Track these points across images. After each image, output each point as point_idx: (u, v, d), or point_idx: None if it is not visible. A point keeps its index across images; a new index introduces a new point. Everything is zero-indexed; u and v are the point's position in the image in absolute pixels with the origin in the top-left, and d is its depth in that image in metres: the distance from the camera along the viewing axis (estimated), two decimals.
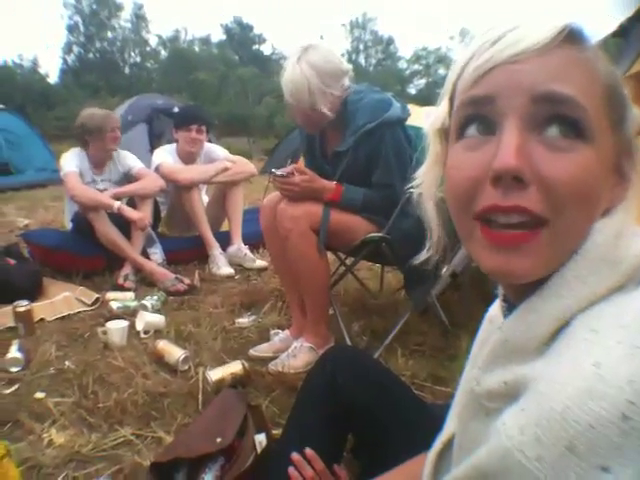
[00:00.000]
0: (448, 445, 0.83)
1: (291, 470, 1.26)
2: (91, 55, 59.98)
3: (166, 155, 4.16)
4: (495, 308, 0.82)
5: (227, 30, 66.28)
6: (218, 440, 1.50)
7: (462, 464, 0.60)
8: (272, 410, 1.99)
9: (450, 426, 0.84)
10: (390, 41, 67.83)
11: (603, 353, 0.50)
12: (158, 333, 2.73)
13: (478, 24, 0.62)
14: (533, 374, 0.54)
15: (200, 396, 2.09)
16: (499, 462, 0.52)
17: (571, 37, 0.59)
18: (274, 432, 1.70)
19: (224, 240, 4.14)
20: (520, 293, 0.64)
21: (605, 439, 0.46)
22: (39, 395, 2.14)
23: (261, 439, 1.56)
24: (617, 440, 0.45)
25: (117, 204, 3.61)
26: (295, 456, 1.27)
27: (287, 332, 2.53)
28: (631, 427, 0.45)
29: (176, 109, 7.82)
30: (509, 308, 0.71)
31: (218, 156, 4.32)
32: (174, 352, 2.34)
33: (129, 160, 4.04)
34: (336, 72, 2.26)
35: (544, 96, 0.57)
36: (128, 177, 3.99)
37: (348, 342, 2.42)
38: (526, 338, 0.60)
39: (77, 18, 60.53)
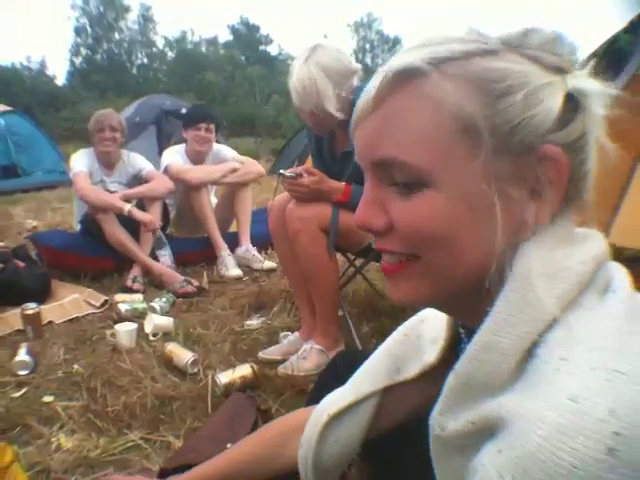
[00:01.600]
0: (344, 411, 0.93)
1: None
2: (98, 57, 60.35)
3: (175, 155, 4.16)
4: (423, 325, 0.88)
5: (234, 31, 66.54)
6: (228, 445, 1.47)
7: None
8: (282, 413, 1.96)
9: (348, 395, 0.92)
10: (397, 41, 67.84)
11: (578, 384, 0.47)
12: (167, 335, 2.71)
13: (484, 23, 0.62)
14: (505, 410, 0.51)
15: (209, 399, 2.07)
16: None
17: (404, 78, 0.59)
18: None
19: (232, 241, 4.12)
20: (470, 320, 0.66)
21: (592, 476, 0.43)
22: (47, 399, 2.12)
23: None
24: (606, 477, 0.43)
25: (128, 207, 3.60)
26: None
27: (296, 334, 2.51)
28: (619, 460, 0.43)
29: (184, 110, 7.82)
30: (468, 335, 0.69)
31: (226, 156, 4.32)
32: (183, 355, 2.32)
33: (139, 162, 4.04)
34: (345, 72, 2.23)
35: (376, 163, 0.61)
36: (138, 179, 3.99)
37: (358, 344, 2.40)
38: (488, 378, 0.56)
39: (84, 20, 60.94)
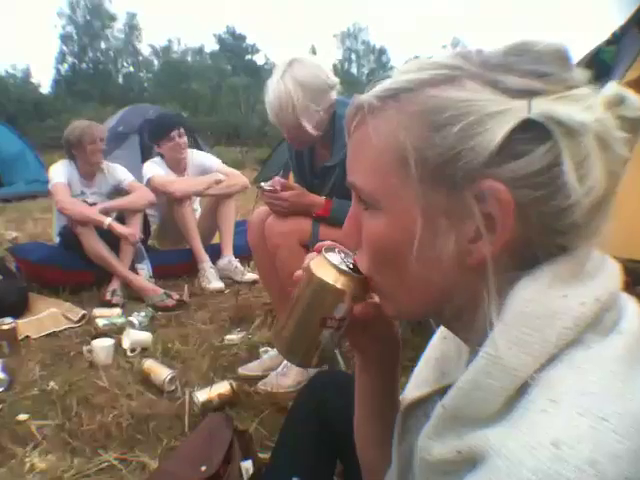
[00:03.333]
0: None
1: None
2: (84, 65, 60.14)
3: (156, 167, 4.11)
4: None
5: (220, 40, 66.67)
6: (203, 468, 1.46)
7: None
8: (261, 432, 1.94)
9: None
10: (382, 51, 68.32)
11: (563, 429, 0.46)
12: (145, 351, 2.68)
13: (469, 33, 0.59)
14: (489, 445, 0.50)
15: (186, 418, 2.04)
16: None
17: (362, 112, 0.62)
18: (262, 456, 1.66)
19: (215, 253, 4.10)
20: (467, 344, 0.69)
21: None
22: (22, 417, 2.09)
23: (248, 466, 1.52)
24: None
25: (108, 220, 3.56)
26: None
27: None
28: None
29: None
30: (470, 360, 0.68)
31: (211, 167, 4.29)
32: (160, 372, 2.28)
33: (119, 173, 3.98)
34: (323, 87, 2.19)
35: (348, 184, 0.66)
36: (118, 190, 3.94)
37: (339, 359, 2.37)
38: (477, 413, 0.56)
39: (71, 28, 60.73)
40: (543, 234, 0.57)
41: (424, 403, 0.82)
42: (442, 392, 0.79)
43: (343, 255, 0.74)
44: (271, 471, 1.36)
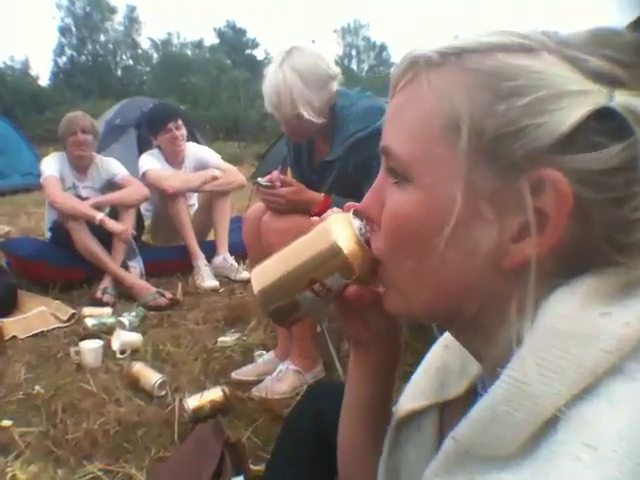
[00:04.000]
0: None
1: None
2: (83, 58, 60.11)
3: (152, 161, 4.03)
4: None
5: (220, 34, 66.70)
6: None
7: None
8: (254, 442, 1.86)
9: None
10: (383, 47, 68.40)
11: None
12: (135, 353, 2.59)
13: (471, 30, 0.54)
14: None
15: (176, 426, 1.95)
16: None
17: (417, 67, 0.54)
18: (256, 468, 1.59)
19: (210, 250, 4.01)
20: (482, 361, 0.59)
21: None
22: (5, 423, 2.02)
23: None
24: None
25: (100, 216, 3.47)
26: None
27: (272, 353, 2.40)
28: None
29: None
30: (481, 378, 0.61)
31: (209, 161, 4.21)
32: (150, 376, 2.20)
33: (112, 166, 3.90)
34: (323, 77, 2.09)
35: (381, 151, 0.57)
36: (112, 184, 3.85)
37: (337, 364, 2.28)
38: (492, 451, 0.46)
39: (69, 20, 60.69)
40: (598, 246, 0.47)
41: (419, 416, 0.73)
42: (439, 406, 0.72)
43: (369, 229, 0.64)
44: None
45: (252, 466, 1.62)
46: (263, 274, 0.68)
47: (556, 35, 0.50)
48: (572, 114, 0.44)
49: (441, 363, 0.74)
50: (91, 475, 1.72)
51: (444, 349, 0.75)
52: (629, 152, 0.44)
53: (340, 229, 0.62)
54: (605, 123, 0.44)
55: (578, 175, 0.45)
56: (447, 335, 0.76)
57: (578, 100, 0.45)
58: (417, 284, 0.55)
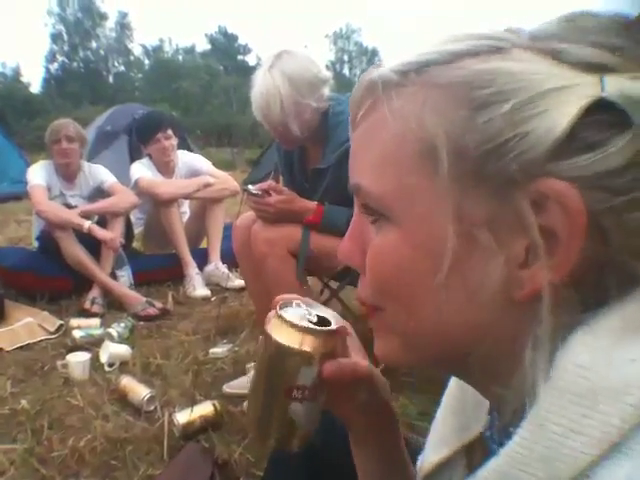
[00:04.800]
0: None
1: None
2: (75, 64, 59.99)
3: (144, 169, 4.00)
4: None
5: (212, 40, 66.77)
6: None
7: None
8: (246, 458, 1.79)
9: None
10: (374, 52, 68.63)
11: None
12: (124, 366, 2.53)
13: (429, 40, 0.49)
14: None
15: (165, 442, 1.89)
16: None
17: (375, 91, 0.47)
18: None
19: (202, 258, 3.97)
20: (495, 405, 0.53)
21: None
22: None
23: None
24: None
25: (87, 224, 3.41)
26: None
27: None
28: None
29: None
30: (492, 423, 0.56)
31: (201, 169, 4.18)
32: (139, 391, 2.14)
33: (100, 174, 3.85)
34: (313, 81, 2.04)
35: (351, 189, 0.51)
36: (100, 192, 3.80)
37: None
38: None
39: (61, 27, 60.61)
40: (616, 259, 0.41)
41: (446, 467, 0.65)
42: (464, 449, 0.64)
43: (305, 307, 0.61)
44: None
45: None
46: (249, 420, 0.63)
47: (524, 30, 0.45)
48: (563, 114, 0.39)
49: (457, 404, 0.67)
50: None
51: (459, 389, 0.67)
52: (633, 145, 0.38)
53: (279, 330, 0.58)
54: (601, 116, 0.39)
55: (584, 181, 0.39)
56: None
57: (566, 97, 0.39)
58: (418, 332, 0.48)
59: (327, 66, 2.20)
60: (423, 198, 0.44)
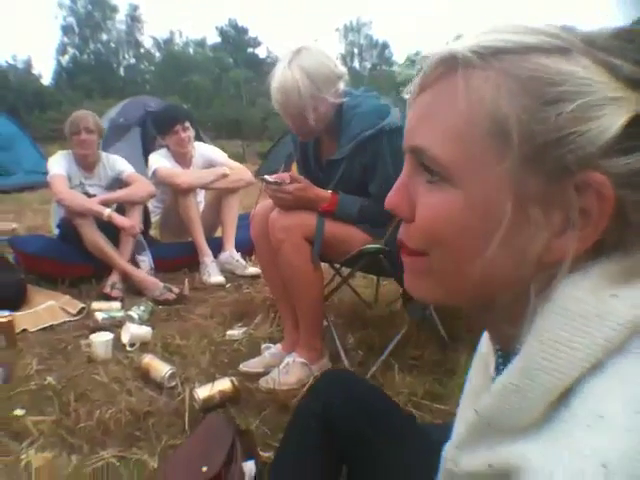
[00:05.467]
0: None
1: None
2: (85, 57, 59.99)
3: (162, 159, 4.09)
4: (484, 344, 0.75)
5: (222, 33, 66.50)
6: (204, 469, 1.42)
7: None
8: (263, 430, 1.90)
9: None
10: (385, 45, 68.17)
11: (613, 449, 0.42)
12: (144, 346, 2.64)
13: (492, 25, 0.55)
14: (527, 462, 0.46)
15: (187, 415, 1.99)
16: None
17: (452, 65, 0.54)
18: (265, 455, 1.63)
19: (216, 247, 4.07)
20: (503, 343, 0.62)
21: None
22: (18, 412, 2.05)
23: (250, 467, 1.48)
24: None
25: (107, 212, 3.52)
26: None
27: (279, 346, 2.43)
28: None
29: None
30: (503, 357, 0.65)
31: (216, 160, 4.27)
32: (160, 368, 2.24)
33: (119, 164, 3.95)
34: (330, 76, 2.15)
35: (412, 149, 0.58)
36: (118, 181, 3.90)
37: (343, 357, 2.33)
38: (512, 421, 0.51)
39: (72, 19, 60.59)
40: (630, 232, 0.51)
41: None
42: None
43: None
44: (274, 473, 1.32)
45: (261, 453, 1.66)
46: None
47: (579, 33, 0.52)
48: (614, 120, 0.47)
49: (477, 366, 0.76)
50: (105, 461, 1.75)
51: (478, 353, 0.77)
52: None
53: None
54: (638, 127, 0.48)
55: (617, 177, 0.48)
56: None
57: (618, 106, 0.48)
58: (459, 278, 0.57)
59: (337, 59, 2.28)
60: (488, 171, 0.52)
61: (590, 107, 0.48)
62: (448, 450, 0.60)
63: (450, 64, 0.54)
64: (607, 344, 0.47)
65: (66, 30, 60.25)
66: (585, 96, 0.48)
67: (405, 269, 0.63)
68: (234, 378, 2.12)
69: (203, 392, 2.02)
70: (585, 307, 0.49)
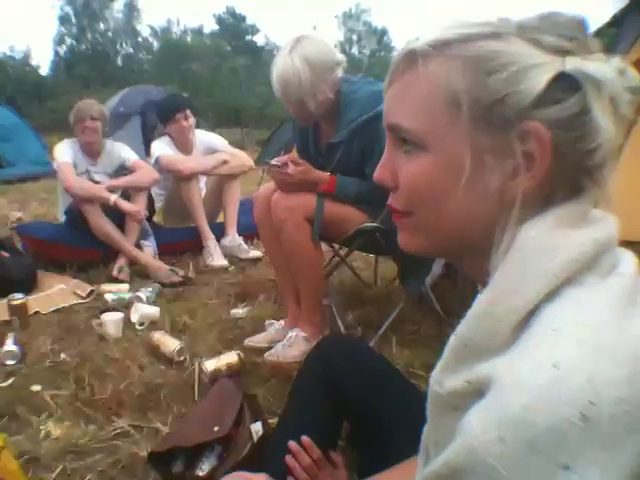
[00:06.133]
0: None
1: (288, 458, 1.28)
2: (83, 46, 59.38)
3: (165, 147, 4.16)
4: None
5: (220, 20, 65.77)
6: (215, 429, 1.52)
7: (435, 460, 0.59)
8: (268, 399, 2.00)
9: None
10: (384, 32, 67.52)
11: (563, 353, 0.51)
12: (153, 325, 2.73)
13: (472, 16, 0.68)
14: (495, 372, 0.55)
15: (196, 387, 2.10)
16: (466, 459, 0.52)
17: (413, 58, 0.67)
18: (270, 421, 1.71)
19: (219, 232, 4.15)
20: (483, 282, 0.70)
21: (565, 439, 0.47)
22: (35, 388, 2.13)
23: (257, 428, 1.57)
24: (577, 440, 0.47)
25: (114, 197, 3.60)
26: (292, 445, 1.29)
27: (282, 322, 2.54)
28: (591, 427, 0.47)
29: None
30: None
31: (217, 146, 4.35)
32: (169, 343, 2.34)
33: (124, 151, 4.03)
34: (329, 64, 2.24)
35: (389, 127, 0.71)
36: (123, 169, 3.98)
37: (343, 332, 2.43)
38: (486, 341, 0.60)
39: (69, 9, 59.90)
40: (571, 172, 0.63)
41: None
42: None
43: None
44: (280, 431, 1.42)
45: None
46: None
47: (514, 21, 0.65)
48: (539, 80, 0.60)
49: None
50: (120, 430, 1.84)
51: None
52: (582, 100, 0.60)
53: None
54: (563, 83, 0.60)
55: (550, 123, 0.60)
56: None
57: (541, 70, 0.60)
58: (442, 223, 0.68)
59: (335, 46, 2.37)
60: (450, 133, 0.64)
61: (519, 72, 0.61)
62: (434, 375, 0.69)
63: (412, 58, 0.67)
64: (561, 274, 0.59)
65: (63, 20, 59.66)
66: (514, 65, 0.61)
67: (398, 230, 0.75)
68: (240, 352, 2.22)
69: (211, 365, 2.12)
70: (540, 243, 0.60)
